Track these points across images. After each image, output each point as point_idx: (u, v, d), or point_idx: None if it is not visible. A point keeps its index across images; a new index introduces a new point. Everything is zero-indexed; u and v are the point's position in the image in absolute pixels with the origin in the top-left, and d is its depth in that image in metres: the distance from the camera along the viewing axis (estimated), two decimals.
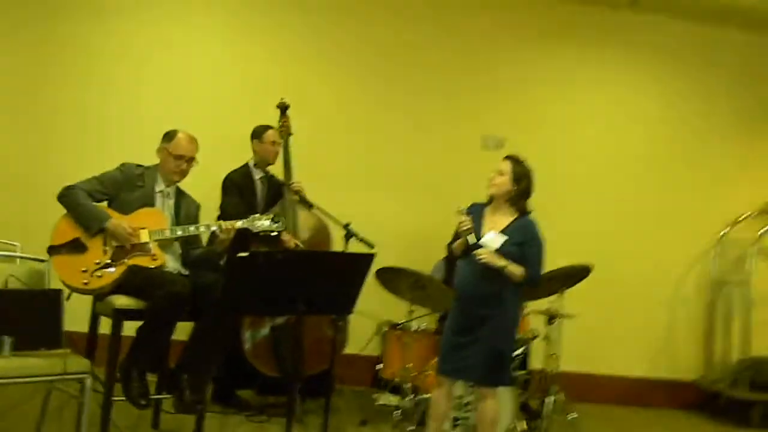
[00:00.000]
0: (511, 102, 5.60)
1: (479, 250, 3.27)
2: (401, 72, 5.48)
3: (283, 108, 4.49)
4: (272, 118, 4.46)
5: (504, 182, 3.38)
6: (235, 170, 4.33)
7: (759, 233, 5.42)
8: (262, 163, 4.36)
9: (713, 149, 5.83)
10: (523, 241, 3.34)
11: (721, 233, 5.71)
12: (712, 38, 5.83)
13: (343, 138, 5.37)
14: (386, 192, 5.36)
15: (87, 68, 5.13)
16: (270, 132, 4.36)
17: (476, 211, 3.49)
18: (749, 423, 5.17)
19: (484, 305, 3.32)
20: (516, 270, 3.30)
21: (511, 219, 3.41)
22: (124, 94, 5.13)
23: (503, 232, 3.37)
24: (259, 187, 4.35)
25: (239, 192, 4.21)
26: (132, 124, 5.03)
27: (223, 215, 4.11)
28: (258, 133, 4.38)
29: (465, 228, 3.31)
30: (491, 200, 3.48)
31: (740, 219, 5.68)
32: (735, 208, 5.72)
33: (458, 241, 3.41)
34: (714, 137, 5.83)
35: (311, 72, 5.39)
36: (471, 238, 3.32)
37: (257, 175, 4.36)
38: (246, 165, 4.38)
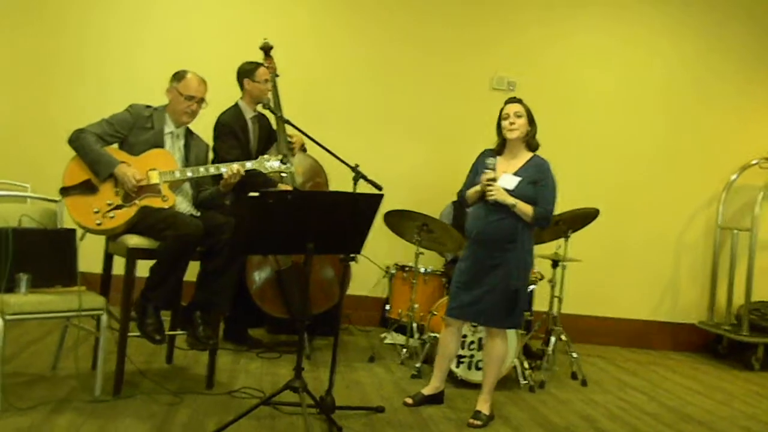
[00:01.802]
0: (521, 42, 5.51)
1: (490, 187, 3.29)
2: (409, 15, 5.39)
3: (267, 49, 4.43)
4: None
5: (523, 124, 3.39)
6: (226, 111, 4.18)
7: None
8: (253, 102, 4.21)
9: (727, 90, 5.75)
10: (537, 180, 3.36)
11: (730, 179, 5.69)
12: None
13: (350, 81, 5.33)
14: (394, 134, 5.36)
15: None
16: (262, 69, 4.23)
17: (487, 156, 3.49)
18: (750, 365, 5.27)
19: (498, 247, 3.35)
20: (526, 208, 3.32)
21: (525, 159, 3.42)
22: (121, 40, 5.11)
23: (518, 173, 3.38)
24: (251, 127, 4.26)
25: (234, 134, 4.11)
26: (129, 70, 5.03)
27: (219, 158, 4.08)
28: (249, 71, 4.21)
29: (490, 186, 3.29)
30: (503, 144, 3.48)
31: (750, 164, 5.66)
32: (745, 153, 5.69)
33: (473, 190, 3.42)
34: (729, 78, 5.75)
35: (317, 9, 5.31)
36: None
37: (248, 114, 4.23)
38: (236, 105, 4.23)
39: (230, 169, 3.31)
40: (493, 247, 3.36)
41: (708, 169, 5.73)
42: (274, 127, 4.37)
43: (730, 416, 3.96)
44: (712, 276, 5.74)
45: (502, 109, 3.45)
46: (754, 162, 5.64)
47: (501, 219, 3.33)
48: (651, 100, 5.69)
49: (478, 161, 3.54)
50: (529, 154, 3.43)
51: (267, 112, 4.21)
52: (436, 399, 3.56)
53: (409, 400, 3.50)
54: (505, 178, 3.36)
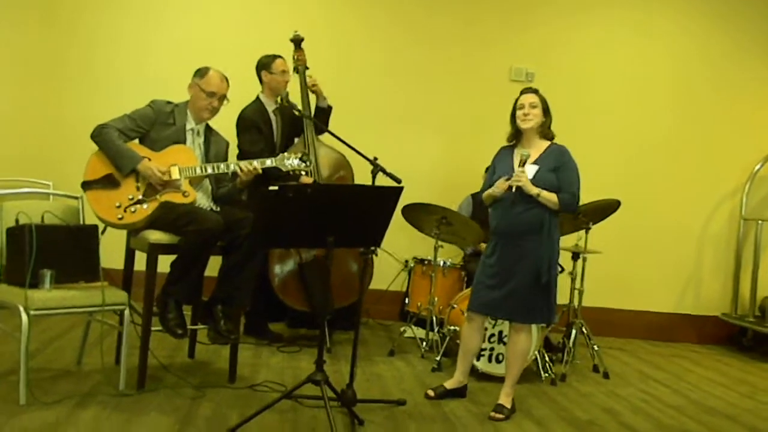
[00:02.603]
0: (539, 33, 5.47)
1: (515, 175, 3.25)
2: (426, 9, 5.38)
3: (298, 41, 4.41)
4: (287, 53, 4.39)
5: (538, 114, 3.36)
6: (248, 106, 4.22)
7: None
8: (273, 94, 4.22)
9: (750, 78, 5.67)
10: (557, 166, 3.32)
11: (755, 168, 5.61)
12: None
13: (370, 73, 5.33)
14: (412, 128, 5.35)
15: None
16: (279, 61, 4.24)
17: (506, 154, 3.48)
18: None
19: (524, 240, 3.31)
20: (550, 196, 3.28)
21: (542, 148, 3.38)
22: (134, 37, 5.14)
23: (536, 162, 3.35)
24: (273, 119, 4.28)
25: (257, 128, 4.14)
26: (142, 68, 5.07)
27: (243, 153, 4.11)
28: (266, 64, 4.24)
29: (517, 176, 3.26)
30: (516, 137, 3.46)
31: None
32: None
33: (488, 192, 3.40)
34: (751, 66, 5.66)
35: (333, 4, 5.31)
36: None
37: (270, 107, 4.25)
38: (257, 99, 4.26)
39: (246, 167, 3.31)
40: (519, 240, 3.32)
41: (731, 159, 5.65)
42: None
43: (755, 409, 3.91)
44: (735, 268, 5.67)
45: (517, 99, 3.43)
46: None
47: (526, 210, 3.30)
48: (671, 90, 5.62)
49: (495, 159, 3.53)
50: (546, 143, 3.39)
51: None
52: (459, 393, 3.54)
53: (431, 393, 3.49)
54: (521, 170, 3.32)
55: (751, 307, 5.53)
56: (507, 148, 3.51)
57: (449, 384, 3.54)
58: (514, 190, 3.26)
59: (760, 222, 5.56)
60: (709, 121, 5.65)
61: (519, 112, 3.39)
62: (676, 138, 5.61)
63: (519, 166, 3.30)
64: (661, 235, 5.60)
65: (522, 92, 3.45)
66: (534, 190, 3.26)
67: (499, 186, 3.33)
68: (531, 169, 3.32)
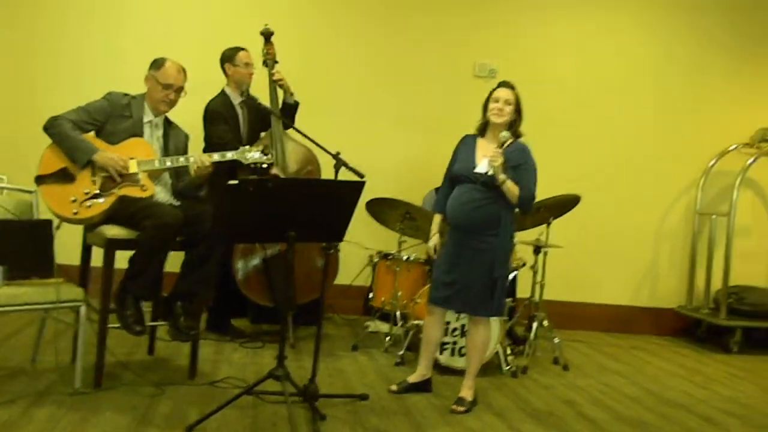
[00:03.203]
0: (504, 29, 5.50)
1: (493, 156, 3.23)
2: (392, 3, 5.36)
3: (267, 35, 4.36)
4: (257, 45, 4.36)
5: (510, 112, 3.36)
6: (214, 99, 4.18)
7: (745, 165, 5.45)
8: (237, 87, 4.17)
9: (707, 78, 5.80)
10: (518, 165, 3.32)
11: (709, 164, 5.75)
12: None
13: (334, 67, 5.29)
14: (376, 123, 5.33)
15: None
16: (242, 53, 4.20)
17: (470, 143, 3.49)
18: (728, 348, 5.34)
19: (480, 234, 3.33)
20: (513, 188, 3.28)
21: (507, 144, 3.38)
22: (99, 25, 5.02)
23: None
24: (240, 112, 4.24)
25: (223, 120, 4.10)
26: (108, 57, 4.96)
27: (211, 146, 4.06)
28: (229, 57, 4.20)
29: (496, 164, 3.23)
30: (484, 129, 3.47)
31: (728, 150, 5.72)
32: (724, 139, 5.74)
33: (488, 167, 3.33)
34: (710, 65, 5.79)
35: (295, 5, 5.27)
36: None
37: (236, 100, 4.21)
38: (223, 92, 4.22)
39: (197, 161, 3.25)
40: (475, 234, 3.34)
41: (687, 155, 5.77)
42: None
43: (709, 399, 4.01)
44: (690, 261, 5.81)
45: (493, 90, 3.41)
46: (732, 147, 5.70)
47: (483, 205, 3.32)
48: (631, 88, 5.71)
49: (459, 146, 3.53)
50: (511, 139, 3.40)
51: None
52: (423, 387, 3.55)
53: (394, 387, 3.50)
54: (485, 163, 3.33)
55: (706, 299, 5.67)
56: (471, 137, 3.51)
57: (412, 378, 3.55)
58: (491, 173, 3.25)
59: (713, 216, 5.70)
60: (666, 118, 5.76)
61: (493, 105, 3.38)
62: (635, 135, 5.71)
63: (498, 146, 3.28)
64: (619, 229, 5.70)
65: (499, 85, 3.43)
66: (502, 176, 3.25)
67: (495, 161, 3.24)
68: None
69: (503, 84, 3.43)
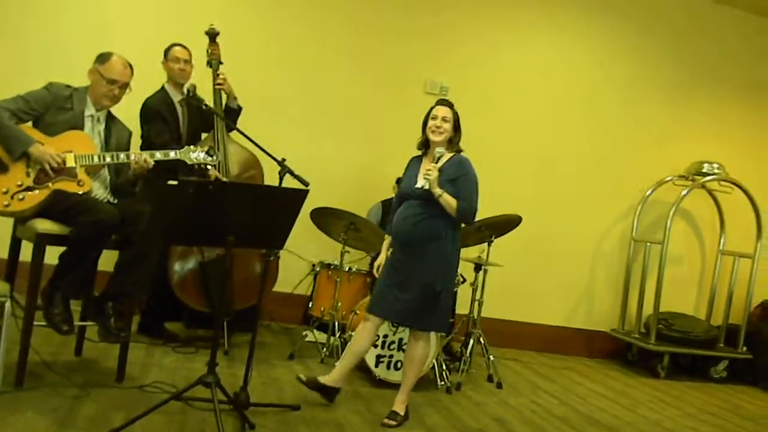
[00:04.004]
0: (456, 48, 5.58)
1: (428, 170, 3.28)
2: (344, 10, 5.37)
3: (213, 35, 4.30)
4: (202, 45, 4.30)
5: (448, 129, 3.42)
6: (152, 95, 4.10)
7: (680, 196, 5.67)
8: (175, 84, 4.12)
9: (647, 110, 6.03)
10: (457, 177, 3.36)
11: (646, 193, 5.95)
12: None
13: (283, 74, 5.26)
14: (326, 132, 5.32)
15: None
16: (176, 49, 4.13)
17: (415, 164, 3.54)
18: (656, 373, 5.51)
19: (421, 247, 3.35)
20: (450, 200, 3.32)
21: (446, 159, 3.43)
22: (44, 15, 4.87)
23: (439, 171, 3.39)
24: (179, 110, 4.16)
25: (162, 118, 4.02)
26: (51, 46, 4.79)
27: (148, 143, 3.97)
28: (165, 52, 4.14)
29: (429, 170, 3.29)
30: (426, 146, 3.51)
31: (664, 181, 5.94)
32: (662, 170, 5.96)
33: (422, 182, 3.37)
34: (651, 99, 6.03)
35: (249, 3, 5.23)
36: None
37: (176, 97, 4.14)
38: (162, 88, 4.15)
39: (139, 158, 3.18)
40: (418, 248, 3.36)
41: (626, 183, 5.97)
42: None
43: (635, 422, 4.12)
44: (624, 286, 5.98)
45: (431, 108, 3.47)
46: (668, 179, 5.93)
47: (422, 219, 3.35)
48: (574, 116, 5.87)
49: (406, 168, 3.58)
50: (450, 154, 3.45)
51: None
52: (329, 393, 3.43)
53: (303, 377, 3.39)
54: (422, 179, 3.36)
55: (637, 324, 5.85)
56: (417, 158, 3.57)
57: (324, 379, 3.42)
58: (426, 187, 3.29)
59: (648, 244, 5.90)
60: (609, 149, 5.94)
61: (431, 122, 3.43)
62: (578, 162, 5.87)
63: (433, 161, 3.34)
64: (558, 251, 5.83)
65: (437, 103, 3.49)
66: (438, 190, 3.30)
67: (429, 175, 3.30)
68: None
69: (441, 102, 3.49)
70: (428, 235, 3.36)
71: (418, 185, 3.36)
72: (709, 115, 6.17)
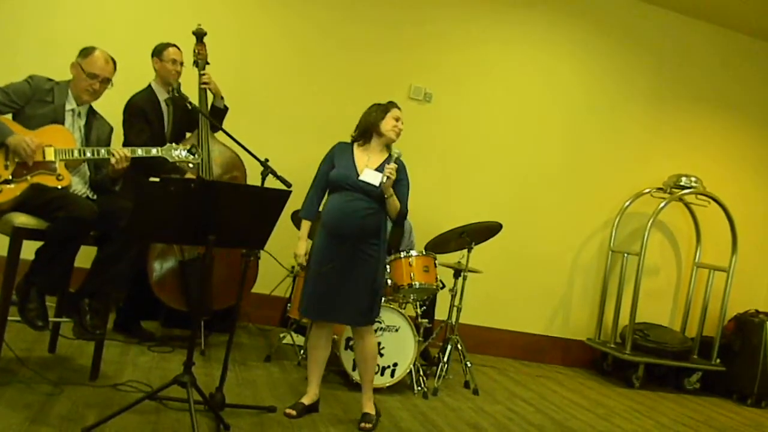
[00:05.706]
0: (443, 56, 5.60)
1: (388, 170, 3.30)
2: (331, 22, 5.38)
3: (200, 35, 4.28)
4: (189, 45, 4.28)
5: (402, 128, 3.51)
6: (138, 93, 4.07)
7: (657, 208, 5.74)
8: (164, 83, 4.10)
9: (627, 123, 6.11)
10: (399, 180, 3.40)
11: (624, 205, 6.02)
12: (638, 14, 6.06)
13: (270, 76, 5.25)
14: (308, 134, 5.29)
15: None
16: (171, 49, 4.11)
17: (345, 150, 3.52)
18: (630, 383, 5.56)
19: (364, 243, 3.34)
20: (397, 203, 3.39)
21: (383, 158, 3.46)
22: (33, 11, 4.82)
23: (378, 169, 3.41)
24: (164, 109, 4.13)
25: (144, 117, 3.99)
26: (41, 42, 4.73)
27: (128, 142, 3.93)
28: (159, 51, 4.11)
29: (393, 177, 3.31)
30: (368, 138, 3.50)
31: (642, 193, 6.01)
32: (640, 182, 6.04)
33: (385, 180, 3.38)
34: (629, 111, 6.11)
35: (236, 9, 5.22)
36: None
37: (162, 96, 4.12)
38: (149, 87, 4.12)
39: (119, 155, 3.15)
40: (359, 244, 3.33)
41: (605, 194, 6.04)
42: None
43: (609, 431, 4.16)
44: (602, 296, 6.04)
45: (388, 109, 3.49)
46: (646, 191, 6.00)
47: (368, 215, 3.35)
48: (556, 127, 5.93)
49: (334, 154, 3.53)
50: (386, 154, 3.49)
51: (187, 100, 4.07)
52: (314, 407, 3.42)
53: (293, 412, 3.29)
54: (368, 173, 3.39)
55: (613, 334, 5.90)
56: (345, 144, 3.56)
57: (307, 399, 3.39)
58: (385, 182, 3.30)
59: (626, 255, 5.97)
60: (589, 160, 6.01)
61: (393, 122, 3.47)
62: (559, 173, 5.92)
63: (394, 162, 3.37)
64: (537, 260, 5.88)
65: (393, 104, 3.53)
66: (390, 191, 3.35)
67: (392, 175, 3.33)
68: (376, 176, 3.37)
69: (395, 104, 3.54)
70: (375, 231, 3.38)
71: (374, 182, 3.35)
72: (688, 130, 6.27)
